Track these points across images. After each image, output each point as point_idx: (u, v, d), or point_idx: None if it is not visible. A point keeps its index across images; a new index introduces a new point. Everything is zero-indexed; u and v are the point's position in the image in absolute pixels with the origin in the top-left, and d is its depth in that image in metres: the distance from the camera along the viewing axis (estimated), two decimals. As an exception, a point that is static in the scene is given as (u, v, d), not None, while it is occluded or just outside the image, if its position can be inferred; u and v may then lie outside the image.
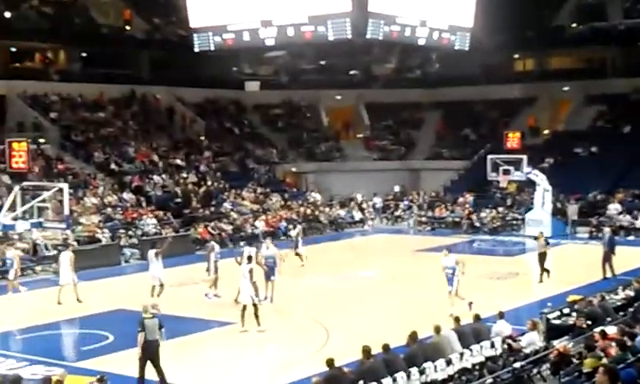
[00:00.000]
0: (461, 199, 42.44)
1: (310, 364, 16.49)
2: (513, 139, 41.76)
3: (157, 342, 15.14)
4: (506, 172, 37.11)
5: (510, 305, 20.53)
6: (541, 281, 25.82)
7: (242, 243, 27.01)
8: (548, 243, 26.70)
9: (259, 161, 47.00)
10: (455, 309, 19.79)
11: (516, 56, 54.16)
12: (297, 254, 29.90)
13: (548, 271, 26.07)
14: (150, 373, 15.28)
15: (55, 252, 30.30)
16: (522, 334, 16.48)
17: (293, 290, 25.44)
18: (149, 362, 15.16)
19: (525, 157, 37.21)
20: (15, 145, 27.85)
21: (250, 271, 20.54)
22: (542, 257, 26.19)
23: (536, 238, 27.69)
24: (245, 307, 19.87)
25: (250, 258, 20.95)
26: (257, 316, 19.81)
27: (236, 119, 51.03)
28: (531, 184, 38.32)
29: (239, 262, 21.15)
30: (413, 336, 14.89)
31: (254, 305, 19.93)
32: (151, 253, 23.87)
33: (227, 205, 39.52)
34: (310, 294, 25.39)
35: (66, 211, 19.63)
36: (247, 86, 49.69)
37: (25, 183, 20.72)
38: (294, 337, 19.85)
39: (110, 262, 31.03)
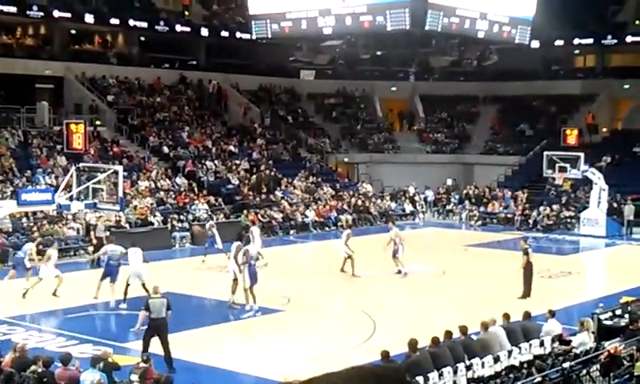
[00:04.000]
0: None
1: (355, 355, 16.44)
2: (570, 136, 40.96)
3: (163, 320, 16.05)
4: (563, 169, 36.44)
5: (561, 304, 20.24)
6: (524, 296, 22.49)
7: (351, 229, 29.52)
8: (527, 254, 22.98)
9: (312, 150, 47.00)
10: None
11: (576, 52, 53.20)
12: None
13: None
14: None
15: (108, 233, 30.72)
16: (573, 334, 16.20)
17: (341, 280, 25.40)
18: (156, 338, 15.94)
19: (582, 154, 36.53)
20: (72, 126, 28.09)
21: None
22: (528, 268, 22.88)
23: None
24: None
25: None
26: None
27: (290, 108, 51.09)
28: (587, 182, 37.66)
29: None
30: (462, 330, 14.74)
31: None
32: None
33: (278, 193, 39.62)
34: (358, 285, 25.32)
35: (120, 193, 19.81)
36: (302, 75, 49.60)
37: (81, 164, 20.91)
38: (341, 327, 19.79)
39: (161, 245, 31.34)
